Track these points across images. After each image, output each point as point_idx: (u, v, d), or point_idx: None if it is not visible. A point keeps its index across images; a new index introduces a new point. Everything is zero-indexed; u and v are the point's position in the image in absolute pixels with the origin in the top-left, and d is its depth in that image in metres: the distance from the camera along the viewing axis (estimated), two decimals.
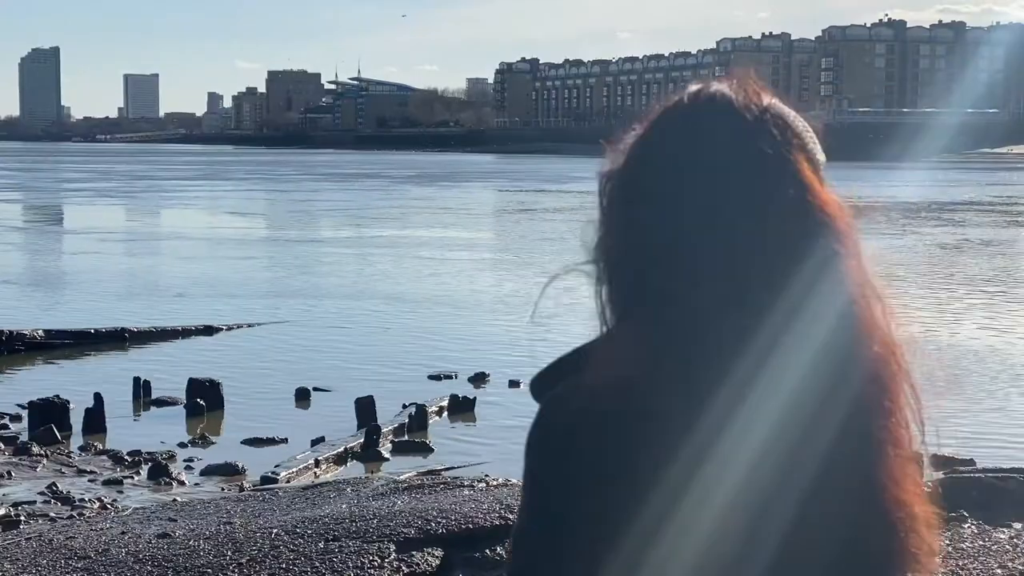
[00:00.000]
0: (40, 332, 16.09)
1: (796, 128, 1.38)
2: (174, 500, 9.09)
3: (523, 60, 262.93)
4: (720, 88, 1.39)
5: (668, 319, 1.30)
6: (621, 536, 1.29)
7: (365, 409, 11.75)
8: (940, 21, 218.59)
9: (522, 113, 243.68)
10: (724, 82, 1.40)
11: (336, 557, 6.10)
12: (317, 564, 6.02)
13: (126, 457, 10.74)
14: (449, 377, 14.13)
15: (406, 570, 6.43)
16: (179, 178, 79.38)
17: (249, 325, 17.85)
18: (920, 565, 1.34)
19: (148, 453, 10.84)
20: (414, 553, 6.57)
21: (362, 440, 11.04)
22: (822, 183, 1.36)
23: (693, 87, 1.41)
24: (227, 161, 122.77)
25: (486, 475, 9.11)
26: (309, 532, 6.38)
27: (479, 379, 14.00)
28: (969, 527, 7.45)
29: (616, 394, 1.28)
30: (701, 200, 1.32)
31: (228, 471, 10.34)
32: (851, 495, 1.31)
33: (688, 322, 1.29)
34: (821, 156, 1.39)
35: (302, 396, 13.25)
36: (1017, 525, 7.48)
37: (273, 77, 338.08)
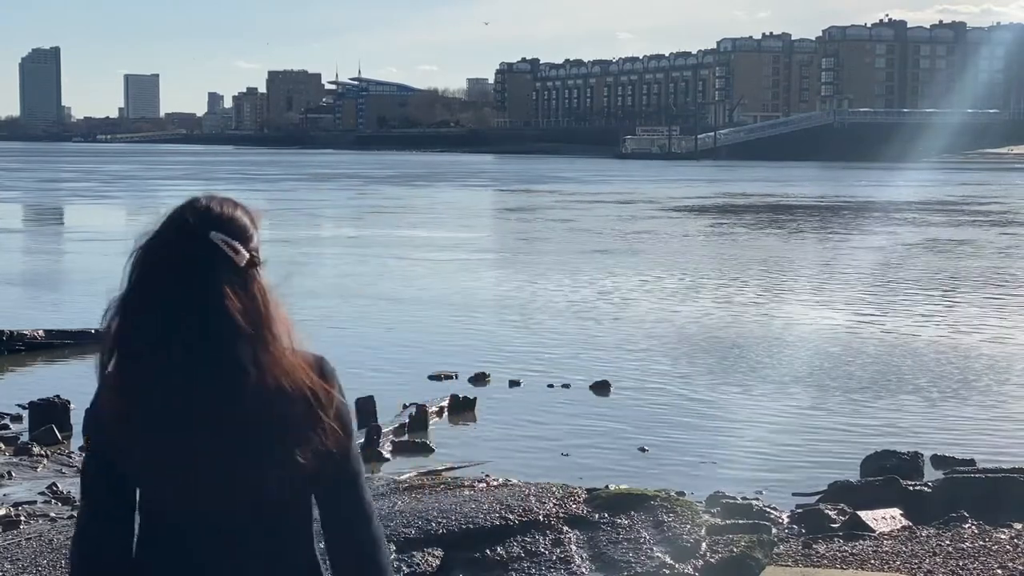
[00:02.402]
0: (40, 332, 16.07)
1: (241, 226, 2.14)
2: None
3: (523, 60, 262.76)
4: (202, 200, 2.15)
5: (128, 364, 2.12)
6: (129, 480, 2.16)
7: (365, 409, 11.72)
8: (940, 21, 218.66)
9: (522, 113, 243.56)
10: (208, 197, 2.16)
11: None
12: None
13: None
14: (449, 377, 14.10)
15: (407, 570, 6.43)
16: (161, 177, 79.55)
17: None
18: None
19: None
20: (414, 553, 6.57)
21: (362, 440, 11.02)
22: (254, 263, 2.15)
23: (195, 196, 2.16)
24: (218, 161, 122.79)
25: (486, 475, 9.10)
26: None
27: (479, 379, 13.99)
28: (969, 527, 7.43)
29: (107, 403, 2.15)
30: (153, 282, 2.11)
31: None
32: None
33: (140, 365, 2.11)
34: (257, 241, 2.16)
35: None
36: (1017, 525, 7.46)
37: (273, 77, 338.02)
